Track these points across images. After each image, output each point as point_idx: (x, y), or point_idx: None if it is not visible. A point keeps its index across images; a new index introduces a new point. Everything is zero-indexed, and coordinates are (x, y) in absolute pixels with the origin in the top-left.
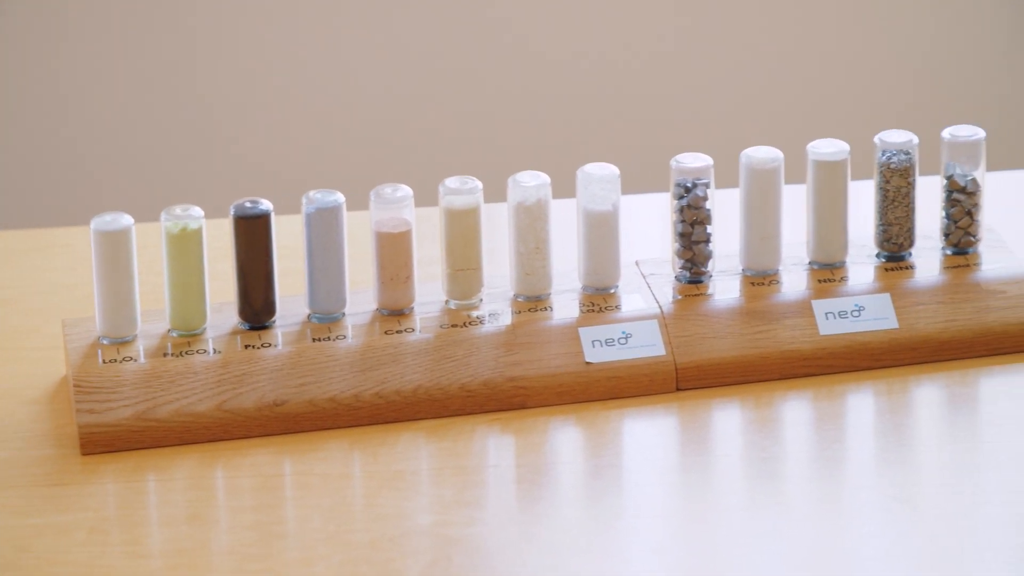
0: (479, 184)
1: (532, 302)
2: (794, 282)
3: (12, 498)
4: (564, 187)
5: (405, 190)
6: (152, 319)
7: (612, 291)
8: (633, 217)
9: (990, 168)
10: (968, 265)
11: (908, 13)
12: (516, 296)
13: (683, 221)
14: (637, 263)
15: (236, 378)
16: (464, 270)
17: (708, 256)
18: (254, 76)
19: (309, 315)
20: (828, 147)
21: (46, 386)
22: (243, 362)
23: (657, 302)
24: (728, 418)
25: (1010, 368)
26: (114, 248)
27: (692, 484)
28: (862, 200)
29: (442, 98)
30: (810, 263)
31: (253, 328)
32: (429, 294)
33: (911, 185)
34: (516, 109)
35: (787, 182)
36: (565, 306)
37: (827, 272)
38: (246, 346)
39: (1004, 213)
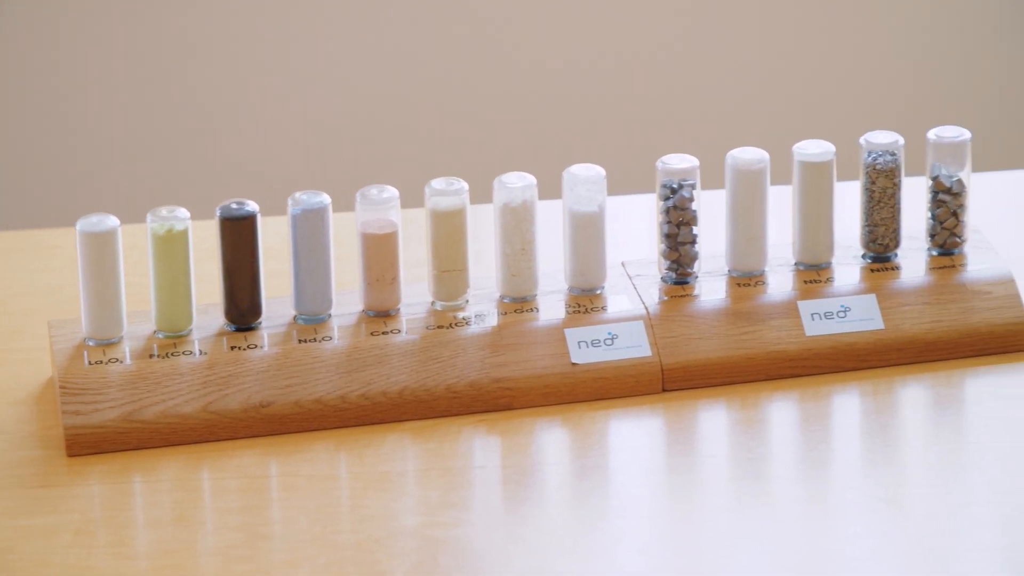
0: (465, 185)
1: (518, 303)
2: (780, 283)
3: None
4: (550, 188)
5: (391, 191)
6: (138, 320)
7: (598, 292)
8: (619, 218)
9: (975, 169)
10: (954, 266)
11: (895, 15)
12: (502, 297)
13: (669, 222)
14: (623, 264)
15: (222, 379)
16: (450, 271)
17: (694, 257)
18: (240, 78)
19: (295, 316)
20: (814, 148)
21: (32, 387)
22: (229, 363)
23: (643, 303)
24: (714, 419)
25: (995, 369)
26: (100, 249)
27: (678, 485)
28: (848, 201)
29: (428, 100)
30: (796, 264)
31: (239, 329)
32: (415, 295)
33: (897, 186)
34: (502, 110)
35: (773, 183)
36: (551, 307)
37: (813, 273)
38: (232, 347)
39: (990, 214)
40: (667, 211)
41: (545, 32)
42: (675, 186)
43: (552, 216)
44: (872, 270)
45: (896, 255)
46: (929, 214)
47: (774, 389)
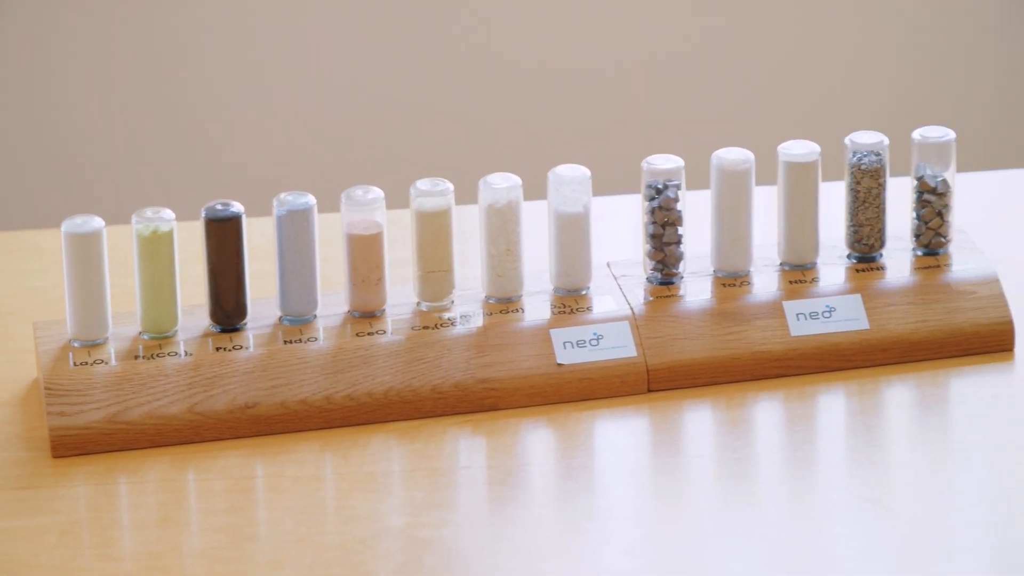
0: (450, 186)
1: (503, 304)
2: (765, 283)
3: None
4: (535, 189)
5: (376, 192)
6: (123, 322)
7: (583, 293)
8: (604, 219)
9: (960, 169)
10: (939, 266)
11: (879, 16)
12: (487, 298)
13: (654, 222)
14: (608, 265)
15: (207, 380)
16: (435, 272)
17: (679, 257)
18: (225, 79)
19: (280, 317)
20: (799, 148)
21: (17, 389)
22: (214, 364)
23: (628, 303)
24: (699, 419)
25: (980, 368)
26: (85, 251)
27: (664, 485)
28: (833, 201)
29: (413, 101)
30: (781, 264)
31: (224, 330)
32: (401, 296)
33: (882, 186)
34: (487, 111)
35: (758, 183)
36: (536, 308)
37: (798, 273)
38: (217, 348)
39: (974, 214)
40: (652, 211)
41: (530, 33)
42: (660, 186)
43: (537, 217)
44: (857, 270)
45: (881, 255)
46: (914, 214)
47: (759, 389)
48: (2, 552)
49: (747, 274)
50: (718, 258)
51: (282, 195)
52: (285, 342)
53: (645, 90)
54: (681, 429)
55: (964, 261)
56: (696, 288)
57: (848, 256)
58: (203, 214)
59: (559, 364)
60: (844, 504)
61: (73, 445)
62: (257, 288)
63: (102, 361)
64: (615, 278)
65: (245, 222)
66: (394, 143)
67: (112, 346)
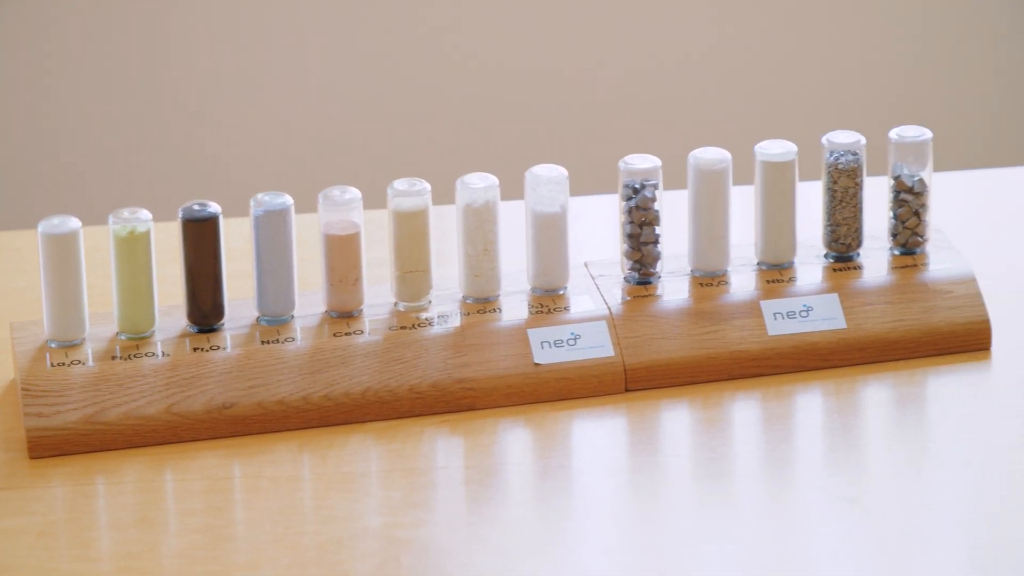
0: (427, 186)
1: (481, 304)
2: (742, 283)
3: None
4: (513, 189)
5: (353, 192)
6: (100, 322)
7: (561, 292)
8: (582, 218)
9: (937, 169)
10: (916, 265)
11: (856, 16)
12: (465, 298)
13: (632, 222)
14: (586, 264)
15: (185, 381)
16: (413, 272)
17: (657, 257)
18: (202, 79)
19: (258, 318)
20: (776, 148)
21: None
22: (192, 365)
23: (606, 303)
24: (677, 419)
25: (957, 368)
26: (62, 251)
27: (641, 485)
28: (810, 201)
29: (391, 101)
30: (758, 264)
31: (202, 331)
32: (378, 296)
33: (859, 186)
34: (464, 111)
35: (735, 183)
36: (514, 308)
37: (775, 272)
38: (195, 349)
39: (951, 213)
40: (629, 211)
41: (508, 33)
42: (637, 186)
43: (515, 217)
44: (834, 269)
45: (858, 255)
46: (891, 214)
47: (737, 389)
48: None
49: (724, 274)
50: (695, 258)
51: (259, 195)
52: (263, 342)
53: (622, 90)
54: (658, 429)
55: (941, 260)
56: (673, 288)
57: (825, 255)
58: (180, 214)
59: (536, 364)
60: (821, 503)
61: (50, 446)
62: (234, 288)
63: (79, 362)
64: (592, 278)
65: (222, 222)
66: (371, 143)
67: (89, 347)
